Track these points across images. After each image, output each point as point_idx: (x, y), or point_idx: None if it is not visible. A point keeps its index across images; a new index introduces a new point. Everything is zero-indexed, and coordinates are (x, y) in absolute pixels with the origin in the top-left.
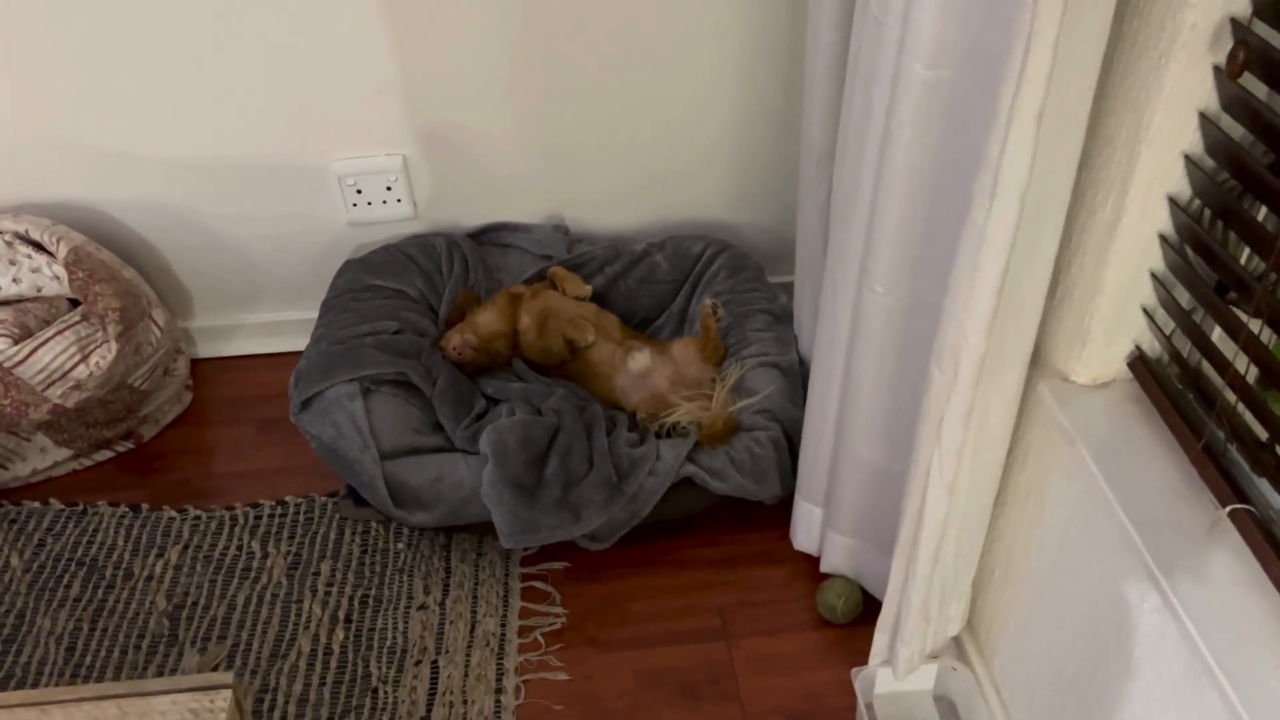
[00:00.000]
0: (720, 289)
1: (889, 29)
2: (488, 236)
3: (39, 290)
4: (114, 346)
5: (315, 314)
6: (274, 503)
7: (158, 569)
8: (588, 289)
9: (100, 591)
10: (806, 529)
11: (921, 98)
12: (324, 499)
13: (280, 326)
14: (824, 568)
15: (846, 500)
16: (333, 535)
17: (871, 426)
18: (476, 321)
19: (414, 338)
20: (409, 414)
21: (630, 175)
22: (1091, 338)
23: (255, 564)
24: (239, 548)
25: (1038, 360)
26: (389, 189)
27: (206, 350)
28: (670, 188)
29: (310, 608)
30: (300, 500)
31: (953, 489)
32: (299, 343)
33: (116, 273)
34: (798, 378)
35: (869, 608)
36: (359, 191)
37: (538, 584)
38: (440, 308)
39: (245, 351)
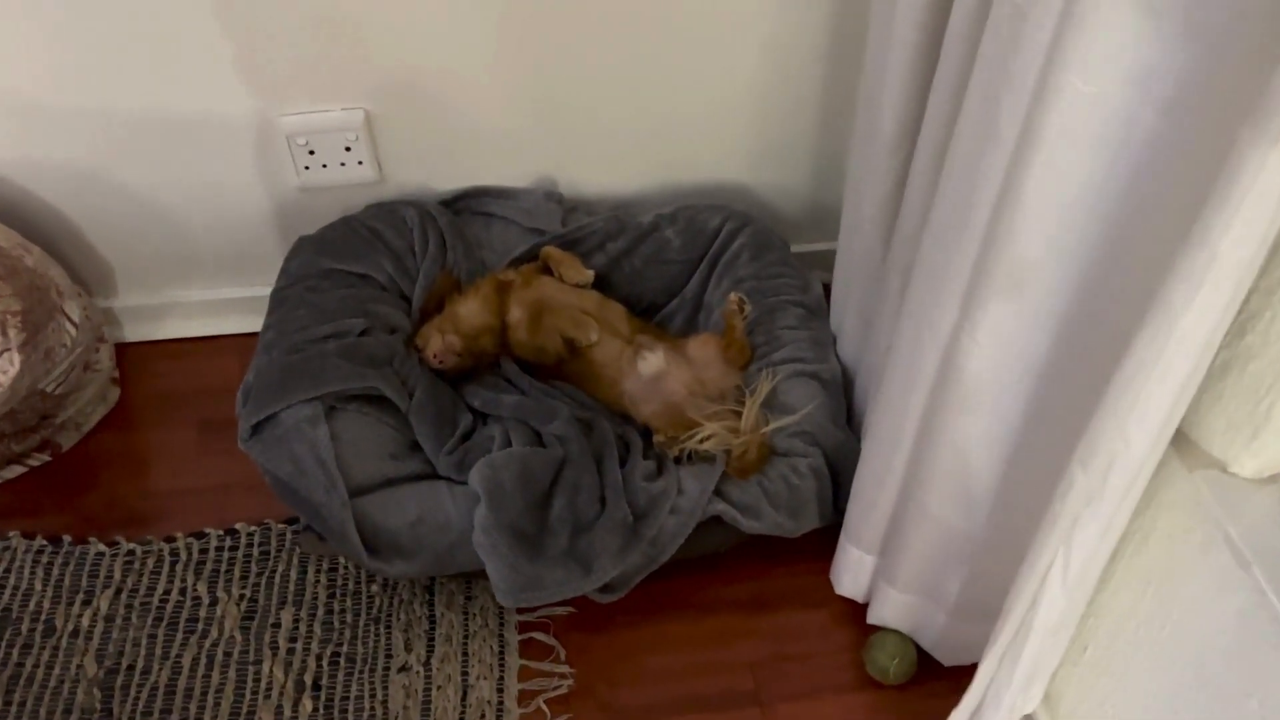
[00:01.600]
0: (743, 273)
1: (1035, 26)
2: (467, 204)
3: None
4: (17, 358)
5: (264, 290)
6: (222, 532)
7: (85, 621)
8: (589, 274)
9: (15, 653)
10: (854, 576)
11: (1077, 118)
12: (281, 526)
13: (223, 306)
14: (872, 619)
15: (908, 555)
16: (294, 574)
17: (953, 486)
18: (458, 315)
19: (384, 338)
20: (382, 436)
21: (635, 130)
22: (1271, 423)
23: (203, 613)
24: (182, 592)
25: (1180, 438)
26: (348, 149)
27: (135, 333)
28: (682, 144)
29: (271, 670)
30: (254, 529)
31: (1074, 593)
32: (245, 323)
33: (16, 263)
34: (840, 391)
35: (924, 666)
36: (311, 152)
37: (538, 635)
38: (414, 294)
39: (182, 334)
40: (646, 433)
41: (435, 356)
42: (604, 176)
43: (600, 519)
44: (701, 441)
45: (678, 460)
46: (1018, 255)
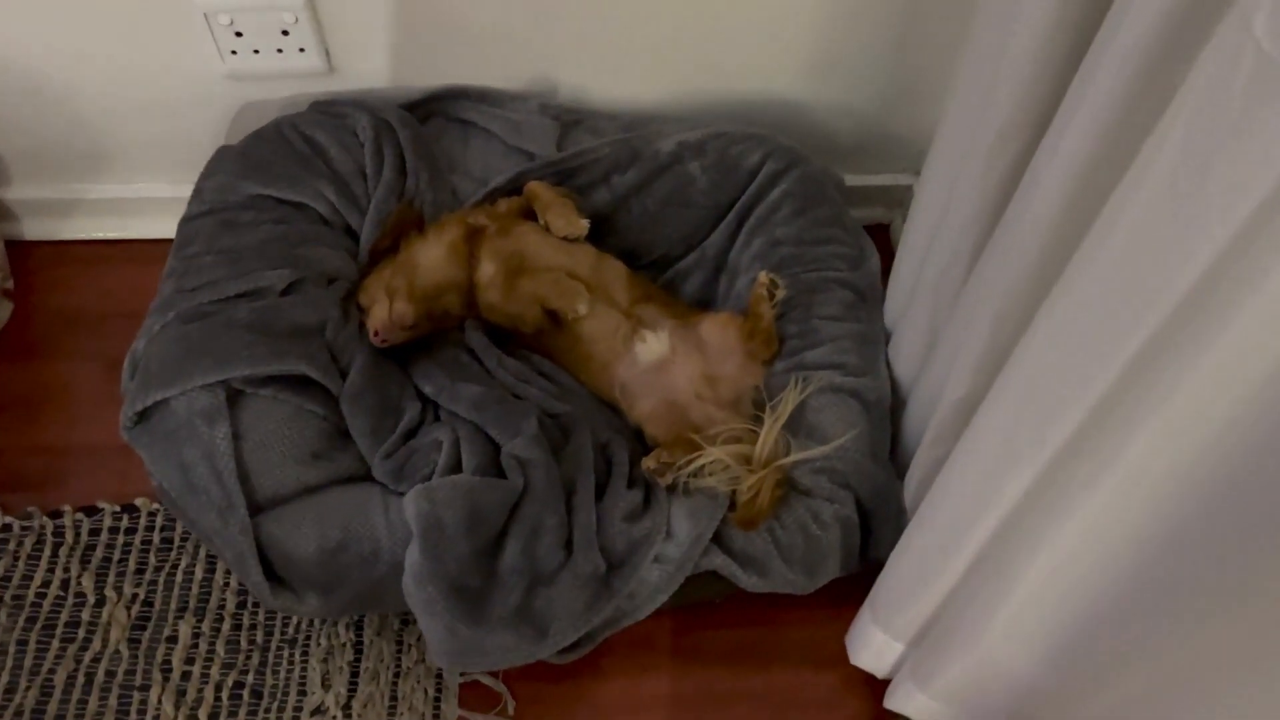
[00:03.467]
0: (781, 233)
1: None
2: (439, 108)
3: None
4: None
5: (187, 189)
6: (119, 508)
7: None
8: (582, 225)
9: None
10: (875, 656)
11: None
12: None
13: (140, 205)
14: (890, 705)
15: (948, 670)
16: (199, 572)
17: (1032, 625)
18: (416, 266)
19: (316, 295)
20: (303, 430)
21: (660, 23)
22: None
23: (85, 616)
24: (64, 585)
25: None
26: (285, 34)
27: (35, 231)
28: (718, 45)
29: (159, 701)
30: (156, 508)
31: None
32: (168, 227)
33: None
34: (886, 416)
35: None
36: (238, 35)
37: (484, 679)
38: (361, 231)
39: (90, 235)
40: (638, 436)
41: (378, 334)
42: (615, 82)
43: (564, 570)
44: (702, 473)
45: (671, 488)
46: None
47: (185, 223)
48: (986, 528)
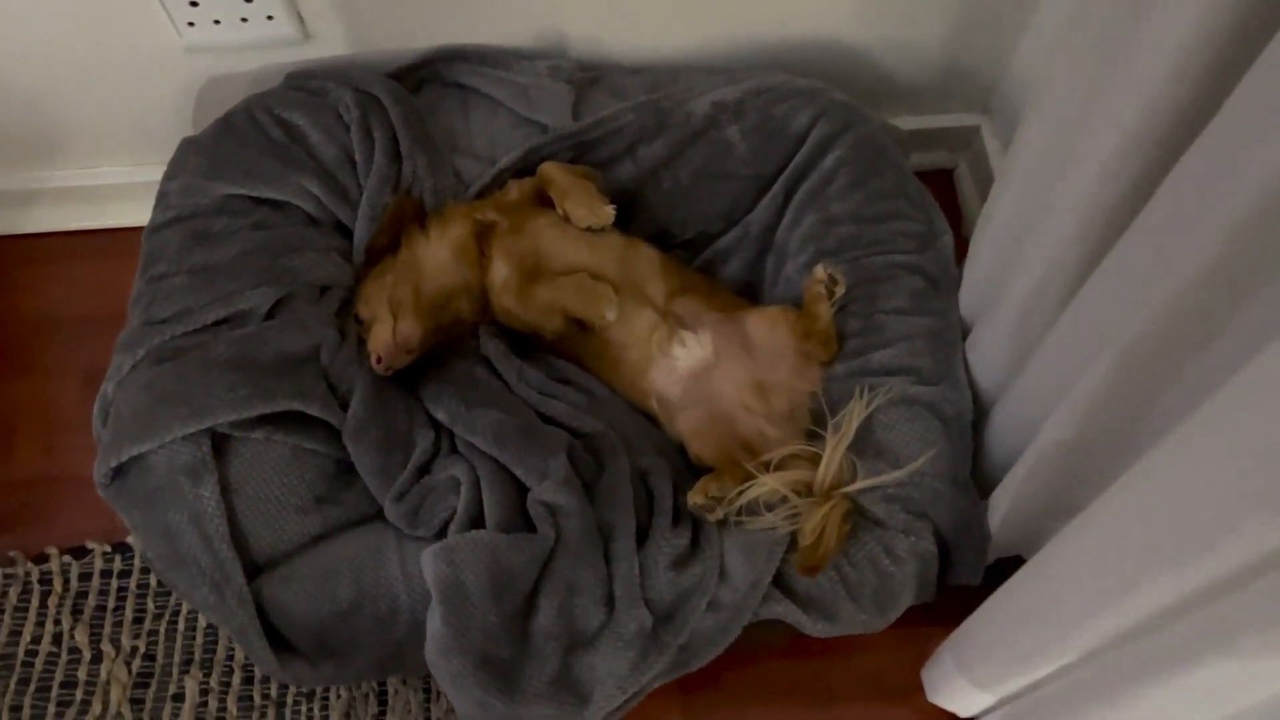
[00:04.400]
0: (836, 209)
1: None
2: (432, 74)
3: None
4: None
5: (156, 172)
6: (110, 548)
7: None
8: (607, 213)
9: None
10: (954, 698)
11: None
12: None
13: (108, 191)
14: None
15: None
16: (201, 619)
17: None
18: (421, 269)
19: (306, 316)
20: (303, 473)
21: None
22: None
23: (81, 675)
24: (56, 640)
25: None
26: (249, 1)
27: None
28: None
29: None
30: None
31: None
32: (139, 213)
33: None
34: (968, 434)
35: None
36: (193, 4)
37: None
38: (355, 227)
39: (54, 227)
40: (679, 449)
41: (380, 361)
42: (634, 30)
43: (605, 631)
44: (757, 506)
45: (722, 521)
46: None
47: (151, 234)
48: (1113, 632)
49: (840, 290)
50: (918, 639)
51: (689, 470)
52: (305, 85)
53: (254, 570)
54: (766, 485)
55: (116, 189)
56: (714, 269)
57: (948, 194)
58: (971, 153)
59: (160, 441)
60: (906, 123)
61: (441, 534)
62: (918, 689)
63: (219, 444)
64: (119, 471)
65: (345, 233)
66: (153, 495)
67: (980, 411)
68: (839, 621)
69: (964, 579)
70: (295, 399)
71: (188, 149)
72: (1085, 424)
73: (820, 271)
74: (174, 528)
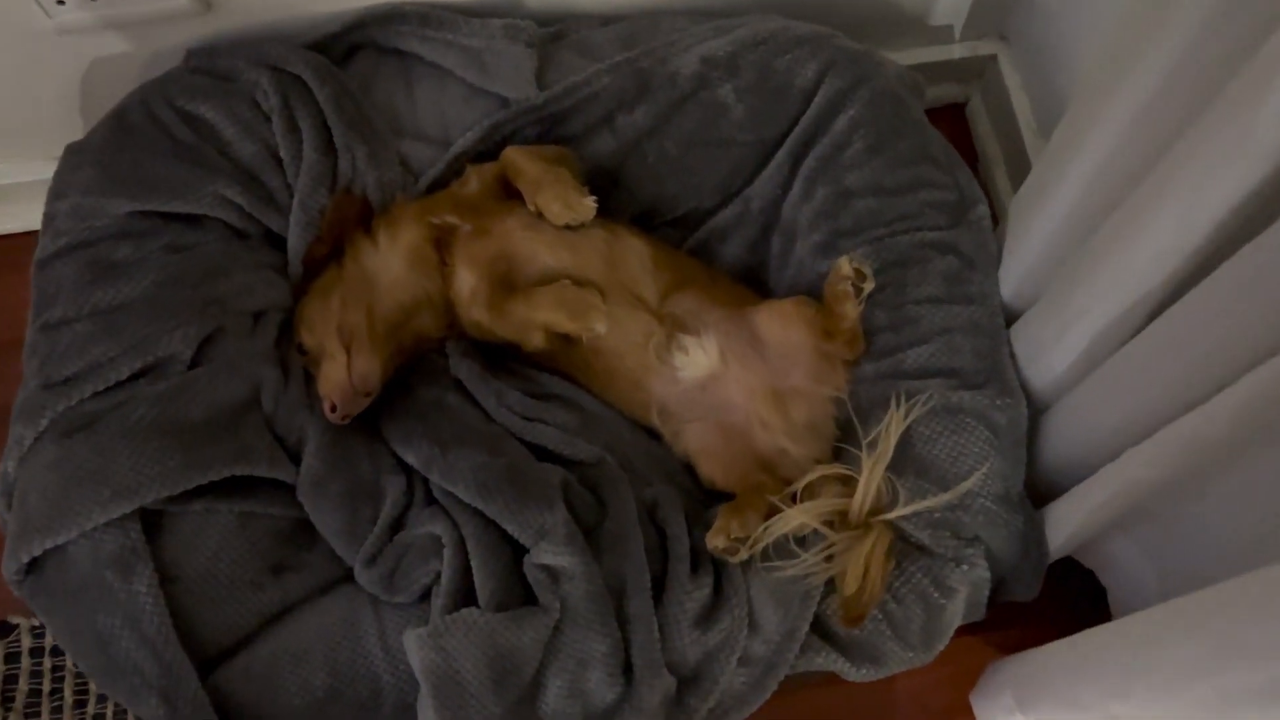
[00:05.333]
0: (852, 180)
1: None
2: (365, 40)
3: None
4: None
5: (47, 169)
6: (38, 623)
7: None
8: (587, 207)
9: None
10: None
11: None
12: None
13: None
14: None
15: None
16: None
17: None
18: (373, 288)
19: (239, 353)
20: (252, 541)
21: None
22: None
23: None
24: None
25: None
26: None
27: None
28: None
29: None
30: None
31: None
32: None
33: None
34: (1022, 444)
35: None
36: None
37: None
38: (289, 234)
39: None
40: (688, 468)
41: (335, 409)
42: None
43: (624, 705)
44: (785, 547)
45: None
46: None
47: (40, 268)
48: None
49: (869, 286)
50: (957, 652)
51: (701, 493)
52: (210, 67)
53: (209, 665)
54: (795, 520)
55: (7, 190)
56: (710, 251)
57: (959, 132)
58: (986, 84)
59: (79, 530)
60: (912, 56)
61: (424, 598)
62: (962, 709)
63: (150, 522)
64: (32, 567)
65: (277, 243)
66: (76, 595)
67: (1032, 413)
68: (885, 664)
69: (1018, 596)
70: (237, 462)
71: (75, 159)
72: (1179, 464)
73: (845, 266)
74: (106, 633)
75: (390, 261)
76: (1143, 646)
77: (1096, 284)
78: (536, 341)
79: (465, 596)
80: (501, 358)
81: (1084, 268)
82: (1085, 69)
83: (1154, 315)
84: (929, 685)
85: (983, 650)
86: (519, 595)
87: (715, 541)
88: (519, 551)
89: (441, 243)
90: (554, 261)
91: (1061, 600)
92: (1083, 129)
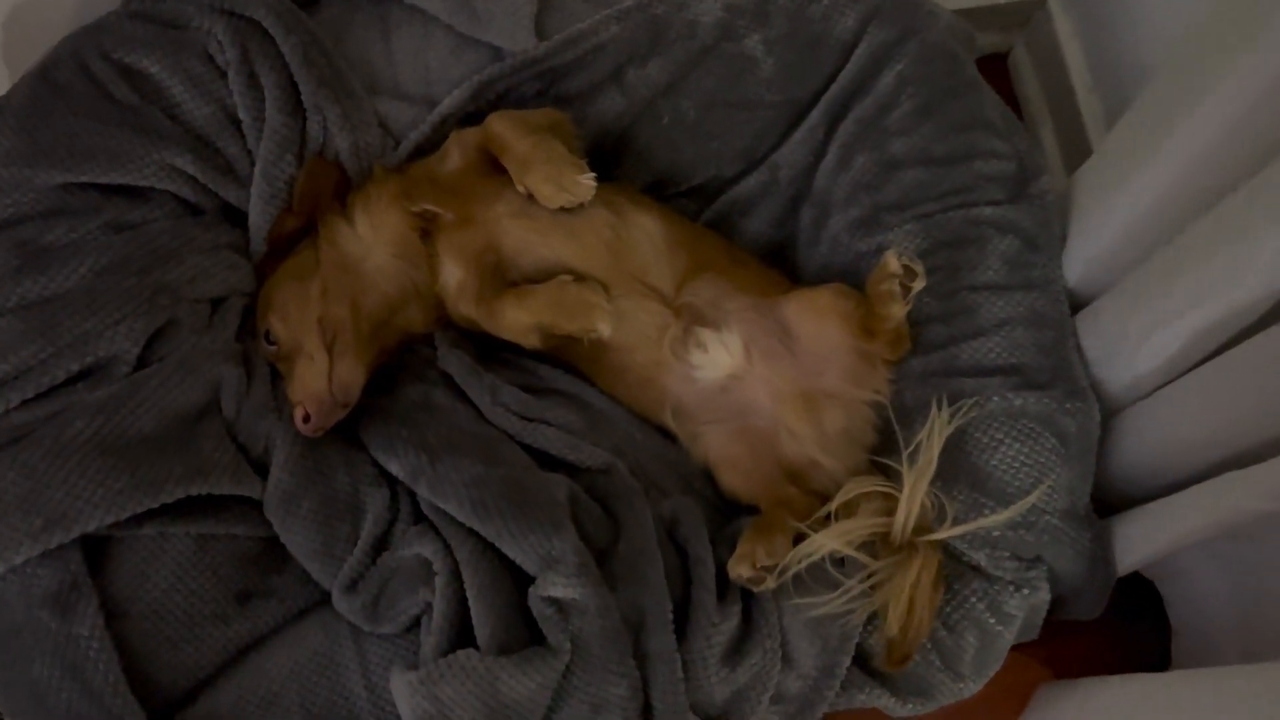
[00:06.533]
0: (898, 148)
1: None
2: None
3: None
4: None
5: None
6: None
7: None
8: (585, 186)
9: None
10: None
11: None
12: None
13: None
14: None
15: None
16: None
17: None
18: (356, 278)
19: (194, 350)
20: (213, 567)
21: None
22: None
23: None
24: None
25: None
26: None
27: None
28: None
29: None
30: None
31: None
32: None
33: None
34: (1092, 453)
35: None
36: None
37: None
38: (250, 208)
39: None
40: (709, 477)
41: (309, 421)
42: None
43: None
44: (819, 575)
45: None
46: None
47: None
48: None
49: (919, 285)
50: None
51: (722, 501)
52: (155, 12)
53: (164, 713)
54: (828, 546)
55: None
56: (730, 225)
57: (999, 88)
58: (1031, 31)
59: (6, 566)
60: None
61: (412, 630)
62: None
63: (94, 551)
64: None
65: (236, 218)
66: (6, 642)
67: (1102, 416)
68: (934, 697)
69: (1080, 615)
70: (194, 480)
71: None
72: None
73: (893, 262)
74: (43, 685)
75: (373, 249)
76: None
77: (1204, 279)
78: (533, 342)
79: (460, 632)
80: (495, 347)
81: (1187, 259)
82: (1173, 16)
83: (1272, 319)
84: (971, 705)
85: (1026, 665)
86: (522, 632)
87: (739, 570)
88: (521, 578)
89: (425, 229)
90: (549, 252)
91: (1111, 602)
92: (1190, 95)
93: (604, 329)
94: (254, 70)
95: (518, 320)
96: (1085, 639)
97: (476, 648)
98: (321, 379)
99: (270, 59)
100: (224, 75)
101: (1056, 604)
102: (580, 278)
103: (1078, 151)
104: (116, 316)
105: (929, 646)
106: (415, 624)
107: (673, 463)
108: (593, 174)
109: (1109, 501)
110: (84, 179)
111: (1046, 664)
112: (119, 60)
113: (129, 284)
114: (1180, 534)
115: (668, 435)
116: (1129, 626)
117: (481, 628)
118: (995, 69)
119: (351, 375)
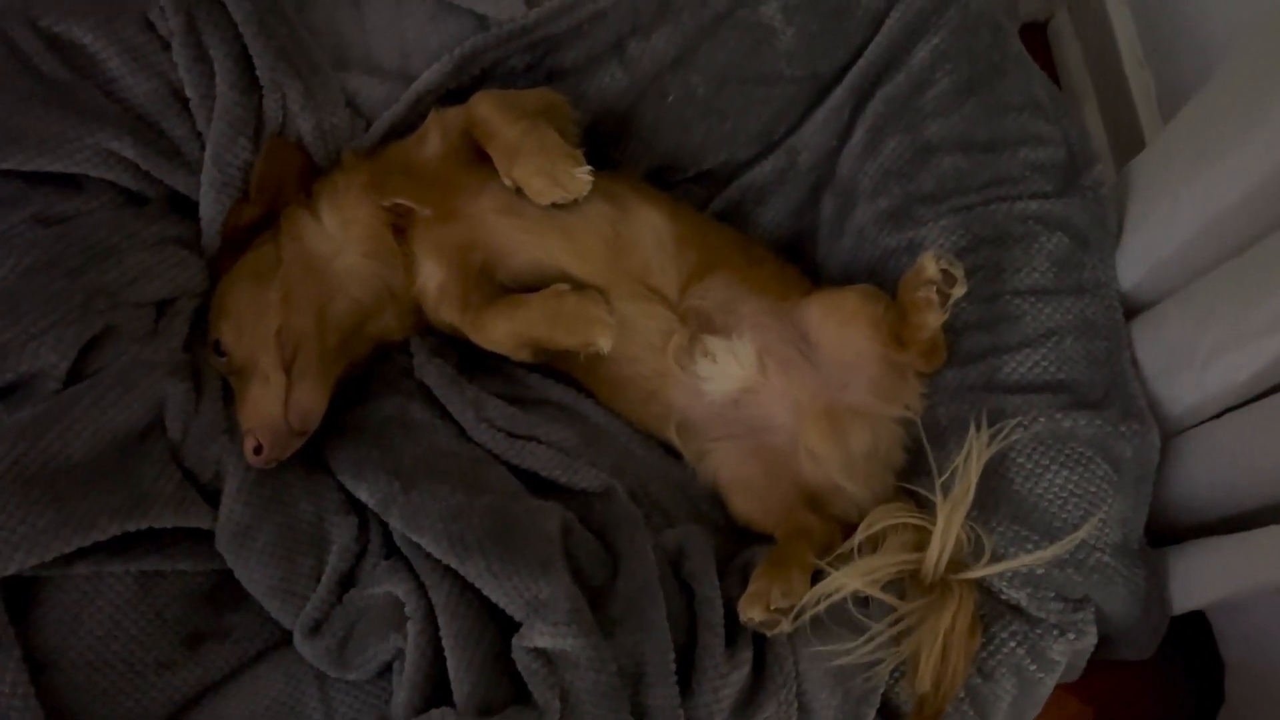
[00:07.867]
0: (934, 131)
1: None
2: None
3: None
4: None
5: None
6: None
7: None
8: (581, 181)
9: None
10: None
11: None
12: None
13: None
14: None
15: None
16: None
17: None
18: (323, 280)
19: (134, 362)
20: (156, 610)
21: None
22: None
23: None
24: None
25: None
26: None
27: None
28: None
29: None
30: None
31: None
32: None
33: None
34: (1149, 482)
35: None
36: None
37: None
38: (201, 196)
39: None
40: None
41: (258, 450)
42: None
43: None
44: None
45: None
46: None
47: None
48: None
49: (959, 291)
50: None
51: (732, 530)
52: None
53: None
54: (850, 585)
55: None
56: (743, 214)
57: (1042, 56)
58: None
59: None
60: None
61: (383, 677)
62: None
63: (17, 593)
64: None
65: (185, 208)
66: None
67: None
68: None
69: (1129, 657)
70: (130, 514)
71: None
72: None
73: (930, 267)
74: None
75: (342, 247)
76: None
77: None
78: (524, 357)
79: (436, 685)
80: (479, 353)
81: (1276, 271)
82: None
83: None
84: None
85: (1063, 697)
86: (506, 688)
87: (751, 613)
88: (505, 622)
89: (399, 225)
90: (542, 252)
91: None
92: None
93: (604, 344)
94: (202, 40)
95: (508, 334)
96: (1127, 671)
97: (453, 705)
98: (277, 404)
99: (220, 28)
100: (167, 46)
101: (1103, 643)
102: (578, 285)
103: (1125, 132)
104: (42, 325)
105: (961, 695)
106: (387, 669)
107: (678, 484)
108: (589, 167)
109: (1158, 530)
110: (6, 165)
111: (1086, 702)
112: (47, 29)
113: (58, 286)
114: (1257, 580)
115: (673, 453)
116: (1176, 660)
117: (459, 685)
118: (1033, 39)
119: (312, 400)
